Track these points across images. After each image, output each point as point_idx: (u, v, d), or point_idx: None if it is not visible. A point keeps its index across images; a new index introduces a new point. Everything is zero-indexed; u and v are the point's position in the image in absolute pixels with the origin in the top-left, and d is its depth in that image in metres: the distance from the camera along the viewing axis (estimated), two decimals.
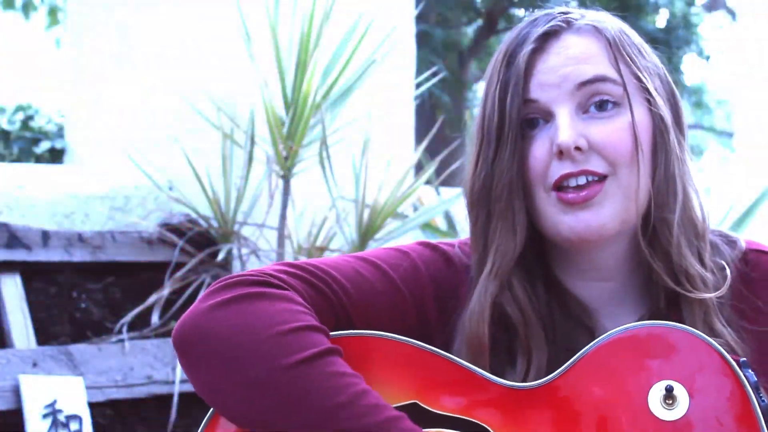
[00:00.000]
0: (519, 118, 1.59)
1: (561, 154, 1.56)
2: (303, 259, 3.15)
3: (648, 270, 1.62)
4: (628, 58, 1.62)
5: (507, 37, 1.67)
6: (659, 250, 1.60)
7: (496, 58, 1.66)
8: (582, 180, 1.57)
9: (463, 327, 1.62)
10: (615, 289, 1.65)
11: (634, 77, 1.61)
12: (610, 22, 1.66)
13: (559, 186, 1.58)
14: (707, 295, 1.57)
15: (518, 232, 1.60)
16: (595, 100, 1.59)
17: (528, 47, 1.60)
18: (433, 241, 1.74)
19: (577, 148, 1.56)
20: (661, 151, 1.61)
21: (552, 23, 1.62)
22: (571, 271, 1.66)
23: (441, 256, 1.70)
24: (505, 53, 1.63)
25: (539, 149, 1.59)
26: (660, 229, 1.60)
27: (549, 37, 1.61)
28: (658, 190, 1.60)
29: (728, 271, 1.61)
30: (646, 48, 1.68)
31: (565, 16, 1.63)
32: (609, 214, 1.57)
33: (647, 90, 1.61)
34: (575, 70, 1.59)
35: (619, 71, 1.60)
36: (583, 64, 1.59)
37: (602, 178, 1.58)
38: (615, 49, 1.61)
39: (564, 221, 1.58)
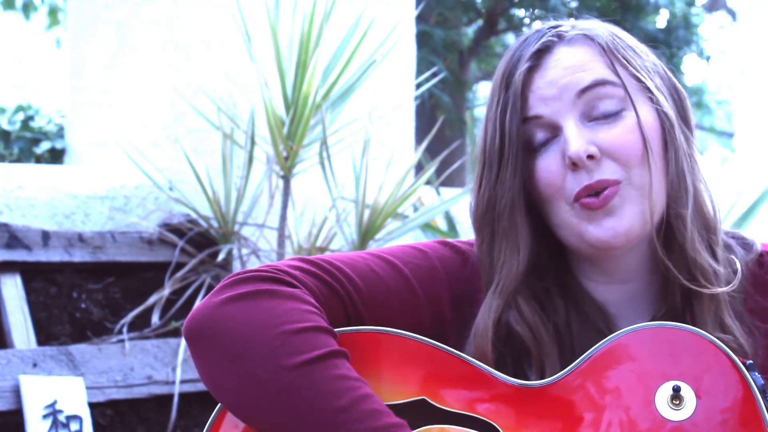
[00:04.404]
0: (519, 138, 1.60)
1: (574, 165, 1.57)
2: None
3: (666, 269, 1.62)
4: (624, 60, 1.62)
5: (502, 60, 1.68)
6: (675, 247, 1.60)
7: (494, 81, 1.67)
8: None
9: (470, 342, 1.63)
10: (635, 290, 1.66)
11: (633, 78, 1.62)
12: (601, 28, 1.67)
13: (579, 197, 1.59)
14: (720, 290, 1.57)
15: (522, 250, 1.61)
16: (598, 105, 1.59)
17: (523, 66, 1.61)
18: (452, 240, 1.74)
19: (590, 156, 1.56)
20: (671, 148, 1.61)
21: (543, 39, 1.63)
22: (594, 275, 1.66)
23: (459, 255, 1.70)
24: (503, 75, 1.64)
25: (552, 163, 1.60)
26: (675, 225, 1.60)
27: (543, 53, 1.62)
28: (671, 186, 1.61)
29: (738, 265, 1.61)
30: (642, 47, 1.68)
31: (555, 30, 1.64)
32: (630, 218, 1.58)
33: (648, 89, 1.61)
34: (573, 79, 1.59)
35: (616, 73, 1.60)
36: (580, 72, 1.60)
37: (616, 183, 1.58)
38: (609, 53, 1.62)
39: (589, 230, 1.58)
